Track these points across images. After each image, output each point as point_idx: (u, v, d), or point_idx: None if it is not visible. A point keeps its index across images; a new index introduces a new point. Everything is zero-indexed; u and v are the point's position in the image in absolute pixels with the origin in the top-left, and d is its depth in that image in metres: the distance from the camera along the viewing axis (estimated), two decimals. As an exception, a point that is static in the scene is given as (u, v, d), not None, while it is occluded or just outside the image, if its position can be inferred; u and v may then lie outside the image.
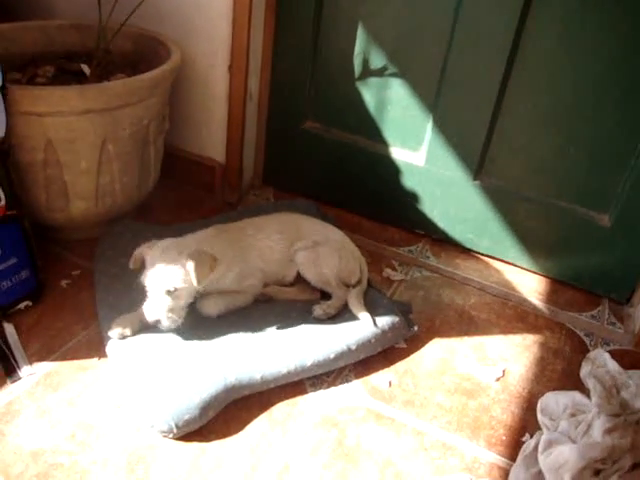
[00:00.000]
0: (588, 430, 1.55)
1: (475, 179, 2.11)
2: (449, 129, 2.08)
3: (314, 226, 1.90)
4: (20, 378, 1.57)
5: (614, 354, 1.85)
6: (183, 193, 2.37)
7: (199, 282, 1.56)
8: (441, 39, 1.97)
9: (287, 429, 1.52)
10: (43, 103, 1.68)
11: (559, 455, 1.45)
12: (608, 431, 1.52)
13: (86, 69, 2.04)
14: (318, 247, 1.81)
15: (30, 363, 1.61)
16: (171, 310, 1.56)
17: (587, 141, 1.94)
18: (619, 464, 1.45)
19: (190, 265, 1.54)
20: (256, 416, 1.54)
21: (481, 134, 2.03)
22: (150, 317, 1.56)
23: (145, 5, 1.92)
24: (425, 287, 2.06)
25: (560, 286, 2.16)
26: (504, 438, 1.59)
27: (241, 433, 1.50)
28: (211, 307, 1.70)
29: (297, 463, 1.44)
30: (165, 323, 1.56)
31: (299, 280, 1.84)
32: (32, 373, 1.58)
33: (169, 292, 1.55)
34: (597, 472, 1.44)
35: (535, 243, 2.15)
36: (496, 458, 1.53)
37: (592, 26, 1.79)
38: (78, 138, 1.77)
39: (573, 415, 1.61)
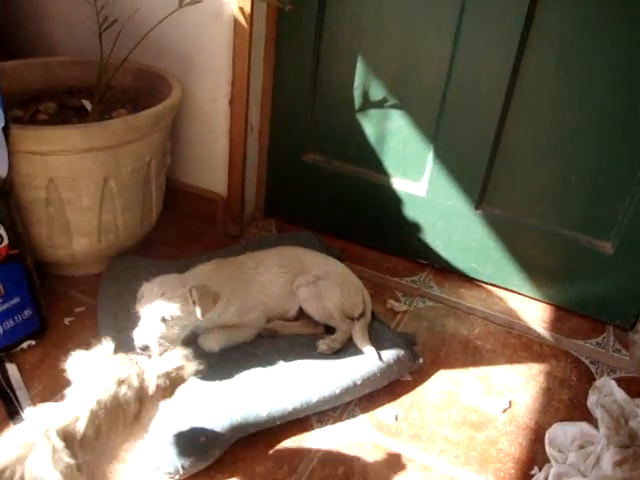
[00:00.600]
0: (598, 462, 1.54)
1: (477, 209, 2.12)
2: (450, 160, 2.08)
3: (315, 259, 1.90)
4: (23, 420, 1.55)
5: (621, 382, 1.83)
6: (185, 226, 2.37)
7: (203, 315, 1.56)
8: (440, 71, 1.99)
9: (293, 467, 1.51)
10: (46, 143, 1.69)
11: (570, 490, 1.43)
12: (618, 463, 1.51)
13: (88, 105, 2.06)
14: (320, 282, 1.81)
15: (33, 404, 1.59)
16: (163, 338, 1.54)
17: (588, 169, 1.95)
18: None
19: (195, 297, 1.55)
20: (263, 454, 1.53)
21: (482, 164, 2.04)
22: (139, 342, 1.54)
23: (146, 41, 1.94)
24: (429, 317, 2.05)
25: (564, 313, 2.15)
26: (512, 472, 1.57)
27: (247, 472, 1.48)
28: (212, 342, 1.69)
29: (305, 502, 1.43)
30: (154, 350, 1.53)
31: (302, 314, 1.83)
32: (35, 414, 1.57)
33: (164, 319, 1.55)
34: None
35: (538, 271, 2.14)
36: (505, 493, 1.52)
37: (589, 56, 1.81)
38: (80, 176, 1.78)
39: (582, 447, 1.59)
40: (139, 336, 1.55)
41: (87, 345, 1.74)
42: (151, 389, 1.19)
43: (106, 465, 1.14)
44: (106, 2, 1.92)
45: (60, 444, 1.02)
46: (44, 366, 1.71)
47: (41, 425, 1.04)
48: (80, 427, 1.07)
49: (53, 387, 1.64)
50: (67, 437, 1.04)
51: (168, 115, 1.94)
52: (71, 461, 1.01)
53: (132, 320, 1.64)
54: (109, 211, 1.90)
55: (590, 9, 1.76)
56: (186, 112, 2.23)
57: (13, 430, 1.25)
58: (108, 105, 2.04)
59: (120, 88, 2.11)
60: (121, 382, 1.15)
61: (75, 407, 1.10)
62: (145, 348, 1.54)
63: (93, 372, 1.18)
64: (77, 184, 1.79)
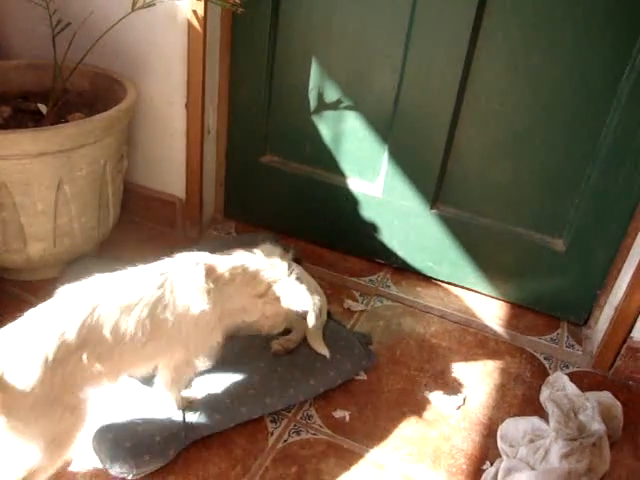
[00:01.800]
0: (546, 455, 1.57)
1: (432, 208, 2.15)
2: (404, 160, 2.11)
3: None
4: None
5: (574, 376, 1.88)
6: (144, 229, 2.37)
7: None
8: (393, 73, 2.01)
9: (247, 467, 1.52)
10: (-4, 147, 1.68)
11: (517, 482, 1.46)
12: (565, 455, 1.54)
13: (43, 109, 2.04)
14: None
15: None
16: None
17: (539, 168, 1.99)
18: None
19: None
20: (216, 455, 1.54)
21: (436, 164, 2.07)
22: None
23: (101, 44, 1.94)
24: (386, 317, 2.08)
25: (520, 310, 2.19)
26: (464, 467, 1.60)
27: (201, 473, 1.49)
28: None
29: (257, 502, 1.44)
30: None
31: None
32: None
33: None
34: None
35: (494, 269, 2.18)
36: (457, 488, 1.54)
37: (537, 57, 1.85)
38: (33, 180, 1.77)
39: (532, 441, 1.63)
40: None
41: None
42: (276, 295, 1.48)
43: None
44: (59, 5, 1.91)
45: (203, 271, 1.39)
46: None
47: (193, 258, 1.43)
48: (221, 269, 1.42)
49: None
50: (209, 270, 1.40)
51: (123, 118, 1.93)
52: (211, 285, 1.39)
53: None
54: (64, 215, 1.89)
55: (535, 12, 1.80)
56: (142, 115, 2.23)
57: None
58: (64, 109, 2.03)
59: (76, 92, 2.11)
60: (266, 269, 1.47)
61: (224, 259, 1.45)
62: None
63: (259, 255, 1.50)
64: (30, 188, 1.78)
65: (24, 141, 1.70)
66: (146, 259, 1.84)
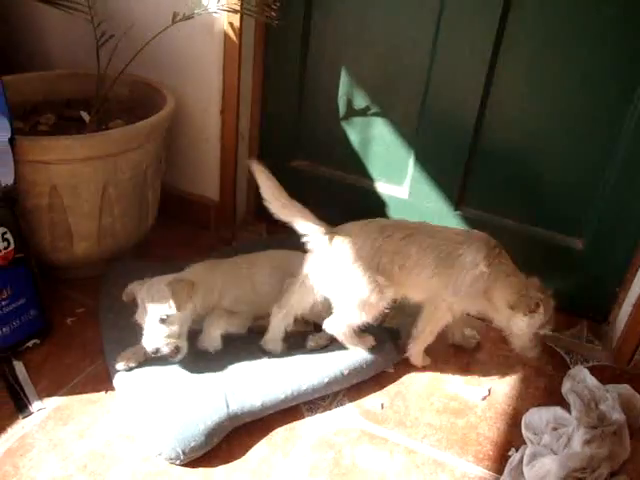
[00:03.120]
0: (569, 442, 1.65)
1: (456, 210, 2.24)
2: (430, 164, 2.21)
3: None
4: (31, 413, 1.65)
5: (594, 370, 1.95)
6: (180, 231, 2.47)
7: (179, 308, 1.66)
8: (419, 81, 2.11)
9: (287, 452, 1.61)
10: (50, 152, 1.80)
11: (542, 466, 1.55)
12: (587, 442, 1.62)
13: (85, 116, 2.15)
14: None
15: (40, 398, 1.69)
16: (168, 337, 1.65)
17: (560, 171, 2.07)
18: (598, 472, 1.56)
19: (169, 293, 1.65)
20: (257, 441, 1.64)
21: (460, 168, 2.17)
22: (149, 347, 1.65)
23: (141, 55, 2.04)
24: (413, 313, 2.14)
25: (541, 308, 2.26)
26: (491, 453, 1.68)
27: (244, 457, 1.59)
28: (210, 342, 1.79)
29: (297, 484, 1.54)
30: (164, 350, 1.65)
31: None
32: (42, 408, 1.67)
33: (162, 320, 1.65)
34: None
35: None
36: (484, 472, 1.63)
37: (557, 64, 1.94)
38: (81, 183, 1.88)
39: (555, 429, 1.71)
40: (147, 342, 1.66)
41: (89, 344, 1.86)
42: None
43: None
44: (103, 19, 2.02)
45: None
46: (48, 363, 1.81)
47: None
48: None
49: (58, 382, 1.75)
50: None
51: (163, 125, 2.04)
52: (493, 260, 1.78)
53: (132, 320, 1.75)
54: (108, 216, 2.00)
55: (554, 24, 1.89)
56: (180, 121, 2.33)
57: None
58: (105, 116, 2.14)
59: (116, 100, 2.21)
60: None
61: None
62: (156, 351, 1.65)
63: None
64: (78, 191, 1.89)
65: (75, 146, 1.81)
66: (181, 258, 1.96)
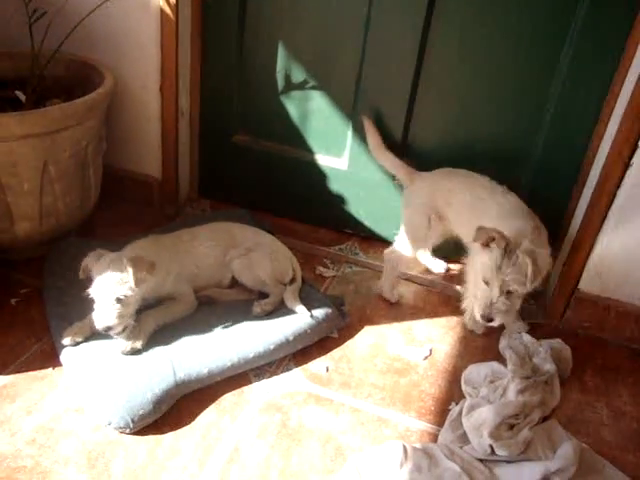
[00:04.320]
0: (504, 393, 1.75)
1: (394, 179, 2.30)
2: (368, 135, 2.26)
3: (245, 233, 2.05)
4: (-19, 389, 1.65)
5: (529, 328, 2.05)
6: (124, 209, 2.47)
7: (137, 285, 1.67)
8: (355, 54, 2.16)
9: (235, 416, 1.66)
10: (-17, 130, 1.77)
11: (479, 415, 1.64)
12: (520, 391, 1.72)
13: (21, 96, 2.12)
14: (250, 253, 1.96)
15: (-13, 376, 1.69)
16: (121, 317, 1.67)
17: (489, 138, 2.17)
18: (530, 418, 1.66)
19: (129, 268, 1.66)
20: (206, 407, 1.68)
21: (397, 137, 2.23)
22: (100, 325, 1.67)
23: (77, 32, 2.03)
24: (356, 281, 2.23)
25: (479, 272, 2.35)
26: (433, 408, 1.76)
27: (193, 424, 1.63)
28: (148, 324, 1.78)
29: (246, 446, 1.58)
30: (117, 329, 1.67)
31: (237, 282, 1.98)
32: (-12, 387, 1.67)
33: (119, 300, 1.67)
34: (512, 426, 1.63)
35: (452, 234, 2.34)
36: (426, 426, 1.70)
37: (485, 33, 2.02)
38: (19, 161, 1.87)
39: (492, 382, 1.80)
40: (100, 319, 1.67)
41: (34, 322, 1.86)
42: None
43: None
44: (34, -5, 1.99)
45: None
46: (-5, 342, 1.80)
47: None
48: None
49: (4, 361, 1.74)
50: None
51: (102, 102, 2.03)
52: None
53: (77, 296, 1.76)
54: (49, 195, 1.99)
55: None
56: (119, 100, 2.33)
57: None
58: (42, 96, 2.12)
59: (53, 79, 2.19)
60: None
61: None
62: (107, 329, 1.67)
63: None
64: (17, 169, 1.88)
65: (10, 123, 1.79)
66: (126, 236, 1.97)
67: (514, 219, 1.89)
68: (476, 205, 1.97)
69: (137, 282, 1.67)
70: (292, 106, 2.32)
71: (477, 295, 1.84)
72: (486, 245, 1.78)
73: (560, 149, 2.10)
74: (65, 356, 1.71)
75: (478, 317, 1.82)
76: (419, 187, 2.11)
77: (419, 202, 2.09)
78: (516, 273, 1.75)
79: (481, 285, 1.82)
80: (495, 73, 2.07)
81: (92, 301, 1.70)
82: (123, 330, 1.70)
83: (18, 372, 1.71)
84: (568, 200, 2.15)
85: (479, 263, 1.83)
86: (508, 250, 1.74)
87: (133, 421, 1.55)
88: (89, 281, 1.71)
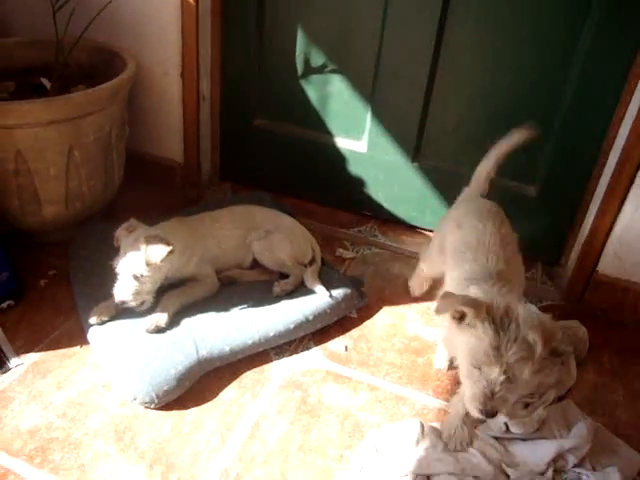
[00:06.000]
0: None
1: (413, 161, 2.32)
2: (386, 118, 2.28)
3: (265, 215, 2.09)
4: (10, 369, 1.71)
5: (546, 309, 2.08)
6: (146, 193, 2.52)
7: (151, 261, 1.71)
8: (373, 37, 2.17)
9: (256, 393, 1.71)
10: (11, 116, 1.82)
11: (493, 394, 1.65)
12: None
13: (46, 83, 2.18)
14: (270, 235, 2.00)
15: (18, 355, 1.75)
16: (137, 293, 1.74)
17: (509, 119, 2.14)
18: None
19: (145, 249, 1.71)
20: (227, 384, 1.73)
21: (415, 120, 2.24)
22: (117, 298, 1.74)
23: (99, 19, 2.06)
24: (375, 262, 2.26)
25: (497, 253, 2.37)
26: (449, 387, 1.79)
27: (215, 400, 1.68)
28: (172, 304, 1.83)
29: (266, 421, 1.63)
30: (131, 304, 1.74)
31: (258, 264, 2.02)
32: (20, 364, 1.73)
33: (136, 277, 1.73)
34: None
35: (472, 216, 2.36)
36: (442, 404, 1.74)
37: (506, 18, 2.01)
38: (46, 147, 1.92)
39: (508, 362, 1.82)
40: (117, 293, 1.74)
41: (62, 303, 1.93)
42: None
43: None
44: (58, -17, 2.04)
45: None
46: (24, 322, 1.87)
47: None
48: None
49: (34, 340, 1.81)
50: None
51: (125, 87, 2.08)
52: None
53: (103, 277, 1.82)
54: (75, 179, 2.04)
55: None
56: (141, 85, 2.37)
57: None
58: (66, 82, 2.17)
59: (76, 66, 2.24)
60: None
61: None
62: (122, 303, 1.74)
63: None
64: (43, 155, 1.93)
65: (37, 110, 1.84)
66: (149, 220, 2.02)
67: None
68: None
69: (151, 259, 1.72)
70: (312, 90, 2.34)
71: (468, 385, 1.38)
72: (459, 319, 1.38)
73: (580, 130, 2.09)
74: (92, 335, 1.77)
75: (476, 414, 1.35)
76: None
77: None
78: (522, 351, 1.33)
79: (473, 373, 1.35)
80: (515, 54, 2.06)
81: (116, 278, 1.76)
82: (140, 305, 1.76)
83: (48, 350, 1.78)
84: (587, 182, 2.14)
85: (463, 345, 1.38)
86: (500, 321, 1.33)
87: (158, 397, 1.60)
88: (118, 253, 1.77)
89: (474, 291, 1.45)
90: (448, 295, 1.43)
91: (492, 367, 1.31)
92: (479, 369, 1.34)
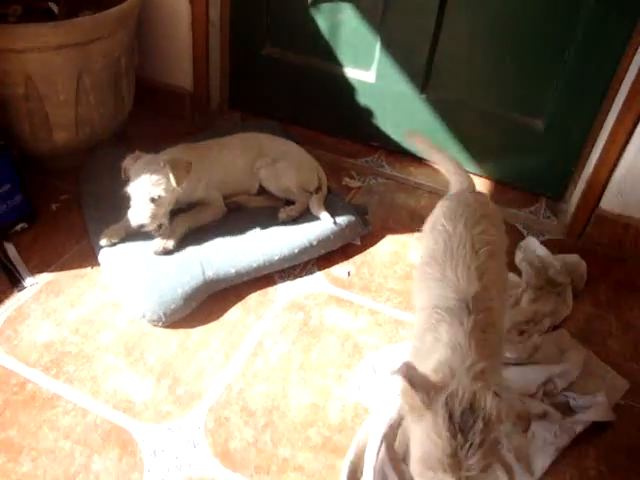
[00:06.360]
0: (517, 302, 1.82)
1: (422, 93, 2.31)
2: (396, 48, 2.26)
3: (273, 143, 2.11)
4: (25, 287, 1.79)
5: (548, 243, 2.11)
6: (156, 121, 2.54)
7: (178, 184, 1.77)
8: (383, -38, 2.14)
9: (260, 314, 1.77)
10: (20, 40, 1.84)
11: (489, 320, 1.71)
12: (533, 301, 1.79)
13: (54, 7, 2.17)
14: (277, 163, 2.02)
15: (32, 275, 1.82)
16: (154, 216, 1.78)
17: (520, 53, 2.14)
18: (540, 325, 1.73)
19: (168, 169, 1.75)
20: (232, 305, 1.79)
21: (425, 51, 2.23)
22: (135, 222, 1.77)
23: (107, -58, 2.05)
24: (380, 192, 2.29)
25: (502, 187, 2.39)
26: (447, 313, 1.85)
27: (220, 320, 1.75)
28: (180, 227, 1.88)
29: (269, 340, 1.70)
30: (150, 227, 1.78)
31: (264, 190, 2.06)
32: (35, 283, 1.80)
33: (153, 200, 1.76)
34: (522, 332, 1.71)
35: (479, 149, 2.36)
36: (440, 329, 1.79)
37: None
38: (55, 72, 1.94)
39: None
40: (134, 216, 1.77)
41: (74, 226, 1.98)
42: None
43: None
44: None
45: None
46: (37, 244, 1.93)
47: None
48: None
49: (47, 260, 1.87)
50: None
51: (133, 12, 2.07)
52: None
53: (113, 201, 1.87)
54: (84, 105, 2.06)
55: None
56: (150, 12, 2.36)
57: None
58: (74, 7, 2.16)
59: (84, -10, 2.23)
60: None
61: None
62: (141, 226, 1.78)
63: None
64: (53, 80, 1.95)
65: (45, 33, 1.85)
66: (158, 146, 2.05)
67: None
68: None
69: (178, 181, 1.76)
70: (321, 18, 2.32)
71: None
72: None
73: (590, 64, 2.06)
74: (102, 256, 1.84)
75: None
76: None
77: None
78: (487, 458, 1.01)
79: (425, 475, 1.06)
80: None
81: (127, 202, 1.79)
82: (159, 228, 1.81)
83: (61, 270, 1.85)
84: (594, 118, 2.13)
85: (415, 439, 1.09)
86: (461, 418, 1.02)
87: (165, 315, 1.67)
88: (128, 182, 1.80)
89: (442, 351, 1.16)
90: (409, 369, 1.08)
91: (447, 476, 1.02)
92: (433, 471, 1.04)
